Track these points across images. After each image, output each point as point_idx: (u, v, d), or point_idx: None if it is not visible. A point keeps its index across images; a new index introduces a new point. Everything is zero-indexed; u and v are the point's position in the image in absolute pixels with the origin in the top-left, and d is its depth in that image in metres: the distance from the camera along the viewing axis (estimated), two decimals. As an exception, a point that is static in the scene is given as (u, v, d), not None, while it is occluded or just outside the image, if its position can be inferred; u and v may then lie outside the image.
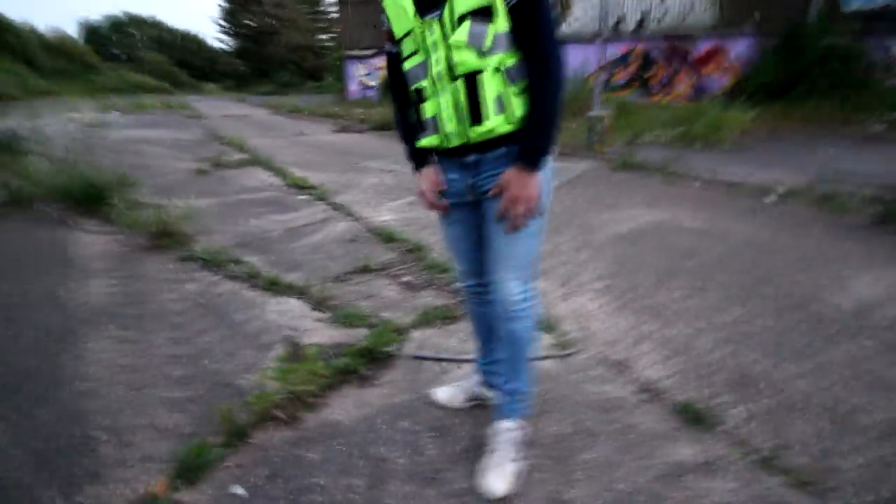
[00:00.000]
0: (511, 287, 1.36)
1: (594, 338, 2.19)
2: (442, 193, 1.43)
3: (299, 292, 2.64)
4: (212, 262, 3.03)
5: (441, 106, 1.27)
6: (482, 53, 1.19)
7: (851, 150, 6.52)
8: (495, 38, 1.19)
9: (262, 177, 5.68)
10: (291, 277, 2.85)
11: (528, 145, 1.25)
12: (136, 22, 39.42)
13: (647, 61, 12.10)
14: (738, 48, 10.88)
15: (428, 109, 1.31)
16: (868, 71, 9.48)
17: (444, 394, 1.77)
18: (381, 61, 18.28)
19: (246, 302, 2.57)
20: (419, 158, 1.47)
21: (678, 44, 11.69)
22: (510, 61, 1.22)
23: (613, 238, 3.45)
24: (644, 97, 12.08)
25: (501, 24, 1.19)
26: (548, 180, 1.34)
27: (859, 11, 9.33)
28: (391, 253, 3.22)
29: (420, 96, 1.32)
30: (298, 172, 5.74)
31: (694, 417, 1.68)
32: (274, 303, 2.55)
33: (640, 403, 1.77)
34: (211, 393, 1.86)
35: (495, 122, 1.23)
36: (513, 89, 1.23)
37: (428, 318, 2.32)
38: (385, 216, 4.06)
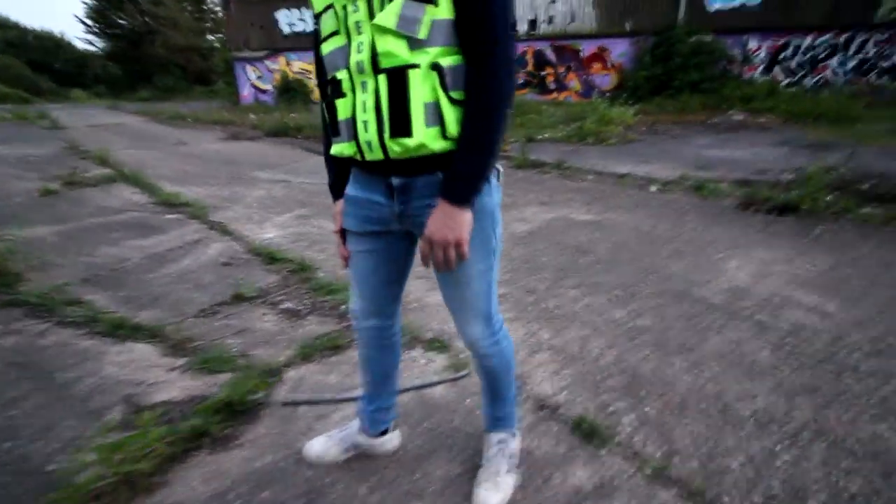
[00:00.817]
0: (473, 331, 1.19)
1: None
2: (358, 217, 1.14)
3: (151, 335, 2.22)
4: (41, 307, 2.48)
5: (358, 106, 0.98)
6: (415, 44, 0.91)
7: (719, 139, 7.19)
8: (433, 26, 0.91)
9: (125, 195, 4.95)
10: (144, 317, 2.40)
11: (454, 174, 0.96)
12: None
13: (540, 62, 12.59)
14: (620, 49, 11.66)
15: (342, 109, 1.02)
16: (729, 65, 10.60)
17: (317, 447, 1.51)
18: (275, 63, 17.27)
19: (79, 355, 2.10)
20: (334, 182, 1.21)
21: (567, 44, 12.28)
22: (451, 60, 0.94)
23: (510, 240, 3.38)
24: (541, 96, 12.56)
25: (443, 9, 0.91)
26: (497, 212, 1.10)
27: (720, 11, 10.39)
28: (272, 276, 2.87)
29: (336, 90, 1.02)
30: (172, 188, 5.09)
31: (589, 433, 1.59)
32: (115, 352, 2.11)
33: (537, 423, 1.65)
34: (14, 485, 1.43)
35: (424, 137, 0.94)
36: (450, 97, 0.95)
37: (306, 353, 2.03)
38: (269, 233, 3.67)
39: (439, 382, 1.82)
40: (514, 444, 1.44)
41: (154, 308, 2.51)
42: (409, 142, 0.95)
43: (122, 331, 2.25)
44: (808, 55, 10.06)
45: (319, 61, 1.08)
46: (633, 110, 8.51)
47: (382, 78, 0.93)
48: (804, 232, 3.47)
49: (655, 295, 2.54)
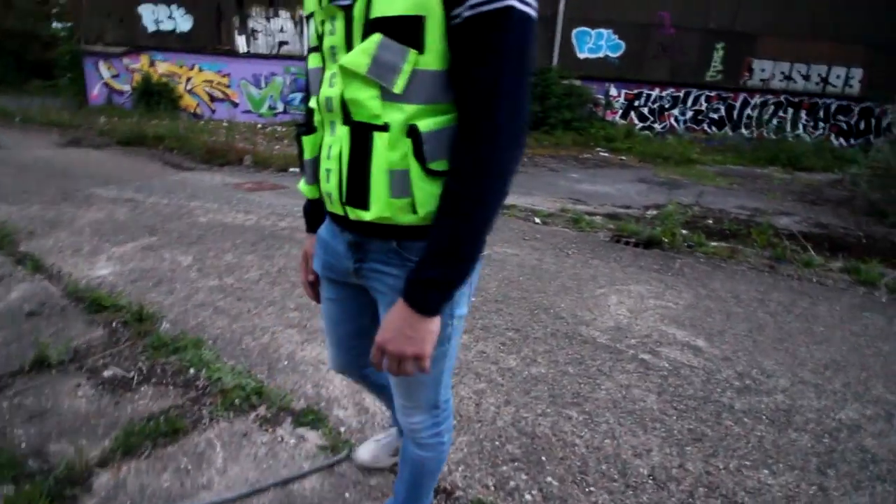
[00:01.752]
0: (411, 416, 1.03)
1: (374, 424, 1.76)
2: (322, 261, 0.99)
3: None
4: None
5: (324, 150, 0.82)
6: (388, 97, 0.71)
7: (589, 174, 7.83)
8: (414, 77, 0.70)
9: None
10: None
11: (423, 276, 0.73)
12: None
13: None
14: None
15: (308, 147, 0.87)
16: (595, 108, 11.79)
17: (366, 454, 1.49)
18: (135, 62, 15.19)
19: None
20: (309, 210, 1.06)
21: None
22: (433, 122, 0.72)
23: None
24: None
25: (430, 58, 0.69)
26: (459, 296, 0.85)
27: (588, 58, 11.54)
28: (95, 330, 2.26)
29: (308, 121, 0.88)
30: (-31, 206, 3.99)
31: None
32: None
33: (429, 511, 1.40)
34: None
35: (384, 210, 0.75)
36: (426, 169, 0.73)
37: (131, 442, 1.55)
38: (102, 269, 2.97)
39: (311, 472, 1.48)
40: None
41: None
42: (365, 214, 0.77)
43: None
44: (657, 104, 11.62)
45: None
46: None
47: (346, 131, 0.76)
48: (667, 265, 3.77)
49: (547, 336, 2.49)
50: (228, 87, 14.26)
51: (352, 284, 0.96)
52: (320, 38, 0.79)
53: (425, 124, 0.72)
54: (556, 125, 11.02)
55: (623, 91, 11.61)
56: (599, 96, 11.63)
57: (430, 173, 0.74)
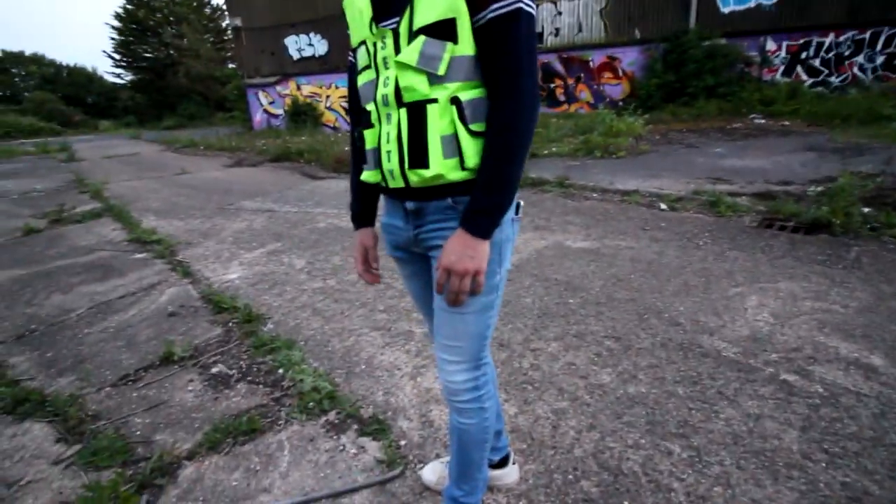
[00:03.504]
0: (453, 374, 1.10)
1: (436, 440, 1.65)
2: (389, 243, 1.17)
3: (54, 413, 1.91)
4: (-46, 374, 2.22)
5: (383, 137, 1.03)
6: (434, 80, 0.94)
7: (737, 147, 6.66)
8: (453, 62, 0.93)
9: (104, 231, 4.77)
10: (59, 385, 2.11)
11: (476, 206, 0.96)
12: (11, 58, 35.58)
13: (548, 74, 12.25)
14: (630, 57, 11.24)
15: (369, 139, 1.07)
16: (747, 68, 10.04)
17: (430, 474, 1.45)
18: (285, 88, 17.42)
19: (-36, 440, 1.80)
20: (357, 211, 1.23)
21: (575, 55, 11.93)
22: (470, 94, 0.95)
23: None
24: (550, 108, 12.20)
25: (463, 46, 0.92)
26: (505, 248, 1.06)
27: (734, 12, 9.89)
28: (215, 329, 2.55)
29: (366, 121, 1.07)
30: (152, 222, 4.90)
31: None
32: (8, 436, 1.81)
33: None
34: None
35: (441, 168, 0.96)
36: (469, 129, 0.96)
37: (216, 438, 1.68)
38: (233, 273, 3.37)
39: (363, 487, 1.44)
40: None
41: (74, 373, 2.21)
42: (426, 173, 0.97)
43: (24, 406, 1.96)
44: (832, 53, 9.42)
45: (354, 91, 1.13)
46: (642, 120, 8.05)
47: (404, 111, 0.97)
48: (837, 255, 2.98)
49: (655, 347, 2.11)
50: (359, 98, 15.40)
51: (419, 258, 1.14)
52: (372, 56, 1.00)
53: (465, 95, 0.94)
54: (697, 94, 9.67)
55: (784, 43, 9.67)
56: (752, 53, 9.87)
57: (472, 133, 0.95)
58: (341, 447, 1.61)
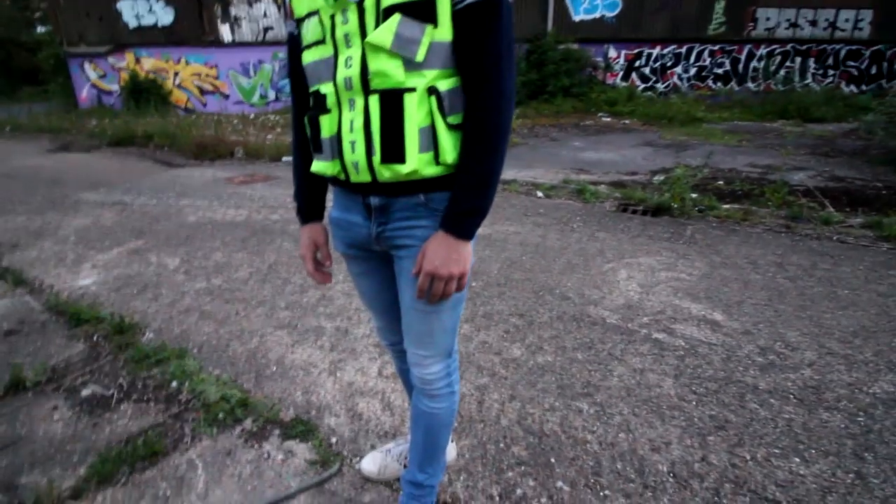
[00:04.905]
0: (429, 367, 1.10)
1: (369, 432, 1.63)
2: (342, 239, 1.08)
3: None
4: None
5: (344, 125, 0.91)
6: (410, 66, 0.84)
7: (591, 141, 7.55)
8: (431, 48, 0.84)
9: None
10: None
11: (459, 208, 0.90)
12: None
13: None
14: (496, 52, 11.89)
15: (326, 126, 0.94)
16: (594, 71, 11.37)
17: (370, 464, 1.41)
18: (120, 60, 14.87)
19: None
20: (305, 204, 1.12)
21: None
22: (448, 83, 0.88)
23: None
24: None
25: (443, 31, 0.84)
26: (474, 244, 0.99)
27: (583, 21, 11.08)
28: (75, 344, 2.14)
29: (319, 104, 0.95)
30: (-48, 221, 3.88)
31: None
32: None
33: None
34: None
35: (418, 163, 0.88)
36: (447, 122, 0.88)
37: (107, 469, 1.44)
38: (86, 279, 2.85)
39: (299, 492, 1.36)
40: None
41: None
42: (402, 168, 0.88)
43: None
44: (658, 63, 11.16)
45: (297, 70, 1.01)
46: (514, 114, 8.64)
47: (374, 99, 0.87)
48: (678, 233, 3.59)
49: (553, 320, 2.34)
50: (217, 78, 13.95)
51: (375, 255, 1.07)
52: (329, 30, 0.88)
53: (443, 84, 0.87)
54: (556, 92, 10.65)
55: (623, 52, 11.16)
56: (598, 59, 11.21)
57: (450, 127, 0.89)
58: (265, 455, 1.50)
